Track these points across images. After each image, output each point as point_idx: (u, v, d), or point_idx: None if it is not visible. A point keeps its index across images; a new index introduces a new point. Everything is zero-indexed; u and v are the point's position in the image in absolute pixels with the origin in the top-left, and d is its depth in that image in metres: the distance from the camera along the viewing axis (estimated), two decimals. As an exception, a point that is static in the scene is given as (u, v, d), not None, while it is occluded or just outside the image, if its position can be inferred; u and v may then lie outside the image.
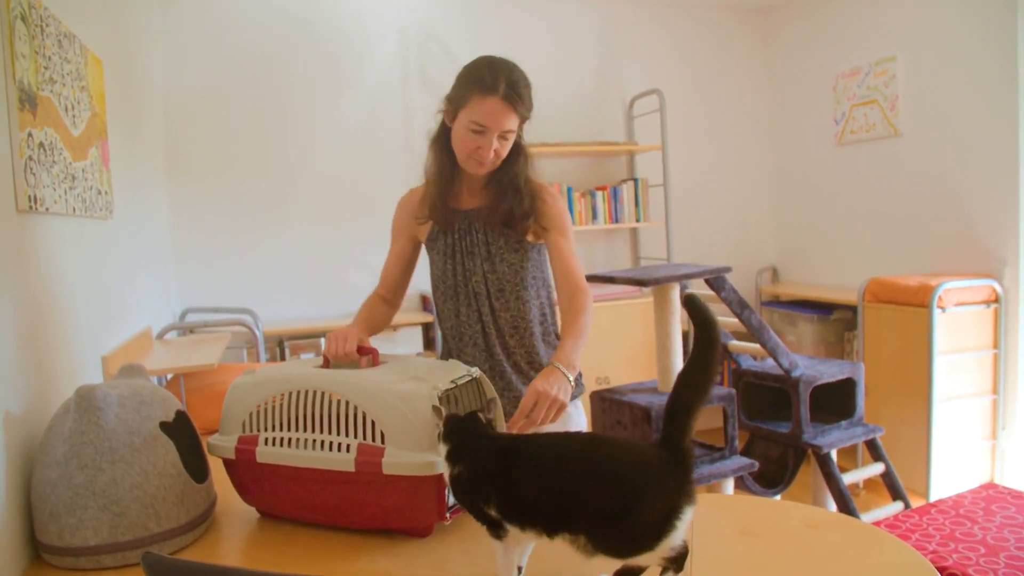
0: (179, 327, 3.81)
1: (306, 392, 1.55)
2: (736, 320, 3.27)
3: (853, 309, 4.49)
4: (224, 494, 1.74)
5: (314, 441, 1.53)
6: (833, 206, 5.13)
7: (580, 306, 1.92)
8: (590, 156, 5.16)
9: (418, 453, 1.46)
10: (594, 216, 4.90)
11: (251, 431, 1.60)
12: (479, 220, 2.04)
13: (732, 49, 5.53)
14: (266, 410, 1.59)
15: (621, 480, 1.18)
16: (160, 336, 3.34)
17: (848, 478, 3.49)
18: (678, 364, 3.05)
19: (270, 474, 1.58)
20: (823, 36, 5.09)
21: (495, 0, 4.89)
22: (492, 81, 1.89)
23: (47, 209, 1.84)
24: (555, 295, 2.09)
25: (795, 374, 3.31)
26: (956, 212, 4.24)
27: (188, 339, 3.45)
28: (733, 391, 3.07)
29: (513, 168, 2.00)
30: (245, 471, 1.62)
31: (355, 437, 1.50)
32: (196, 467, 1.61)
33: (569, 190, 4.84)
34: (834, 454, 3.41)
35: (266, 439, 1.57)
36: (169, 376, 2.93)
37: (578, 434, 1.33)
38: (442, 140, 2.03)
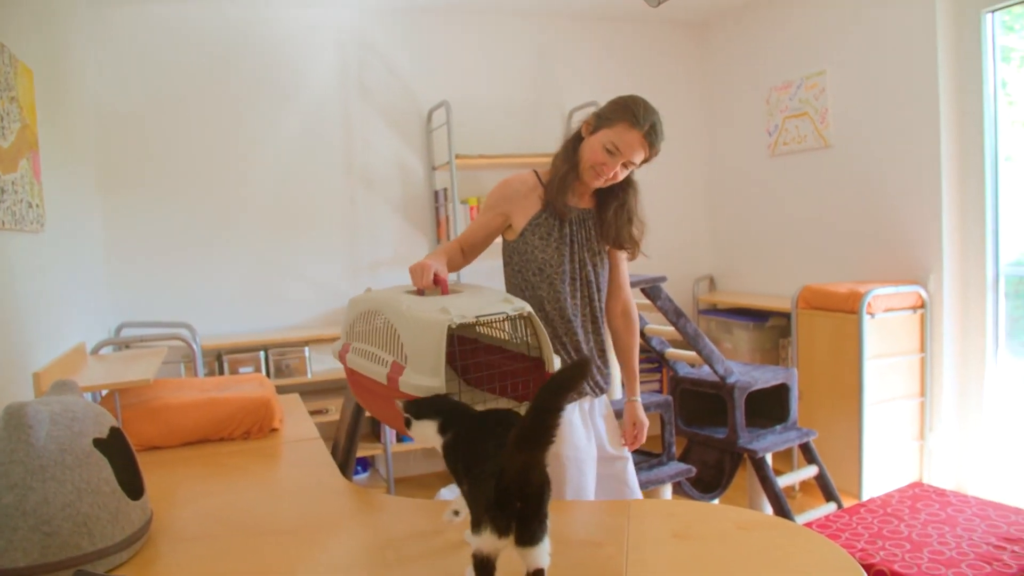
0: (114, 342, 3.74)
1: (373, 312, 1.83)
2: (673, 328, 3.33)
3: (787, 316, 4.60)
4: (161, 511, 1.73)
5: (372, 354, 1.78)
6: (767, 216, 5.25)
7: (635, 333, 2.50)
8: (529, 167, 5.17)
9: (426, 376, 1.60)
10: (534, 226, 4.94)
11: (348, 340, 1.92)
12: (591, 220, 2.34)
13: (668, 62, 5.63)
14: (359, 323, 1.89)
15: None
16: (95, 351, 3.28)
17: (783, 481, 3.57)
18: (615, 372, 3.09)
19: (356, 377, 1.86)
20: (757, 51, 5.22)
21: (434, 13, 4.92)
22: (642, 119, 2.21)
23: (-26, 224, 1.81)
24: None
25: (730, 381, 3.38)
26: (883, 221, 4.37)
27: (123, 354, 3.39)
28: (670, 398, 3.12)
29: (627, 196, 2.37)
30: (347, 372, 1.93)
31: (391, 355, 1.71)
32: (131, 484, 1.60)
33: (509, 201, 4.87)
34: (769, 458, 3.49)
35: (355, 348, 1.87)
36: (104, 392, 2.88)
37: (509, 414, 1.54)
38: (573, 144, 2.33)
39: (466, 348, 1.82)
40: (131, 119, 4.30)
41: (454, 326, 1.62)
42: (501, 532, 1.28)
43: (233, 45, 4.47)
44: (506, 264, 2.40)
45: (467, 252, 2.37)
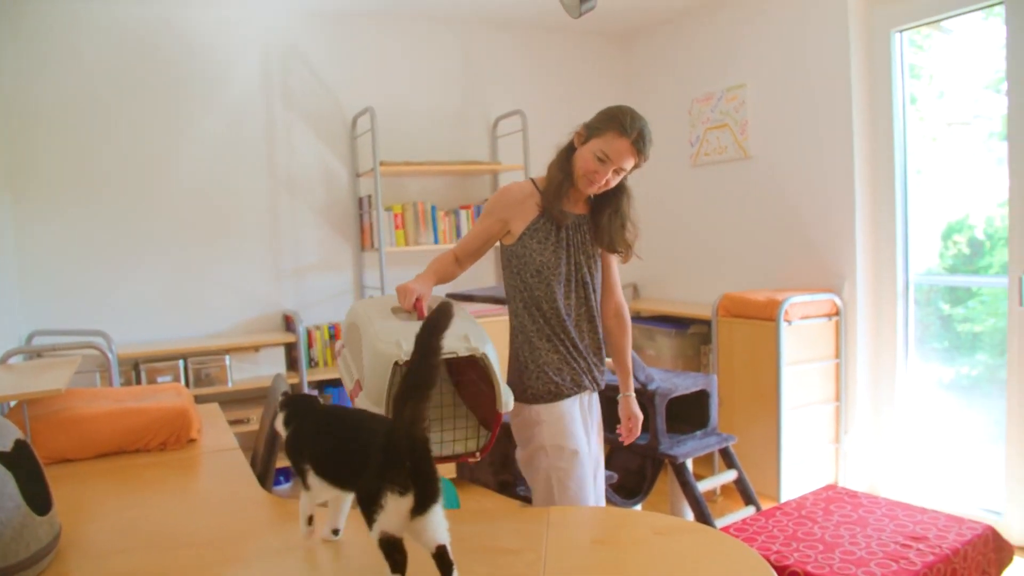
0: (25, 351, 3.62)
1: (355, 326, 1.98)
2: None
3: (708, 323, 4.69)
4: (71, 525, 1.68)
5: (348, 366, 1.94)
6: (689, 225, 5.35)
7: (628, 332, 2.63)
8: (454, 175, 5.21)
9: (371, 404, 1.73)
10: (458, 235, 4.94)
11: (344, 344, 2.08)
12: (586, 225, 2.46)
13: (593, 72, 5.70)
14: (350, 331, 2.04)
15: (364, 451, 1.43)
16: (3, 361, 3.17)
17: (704, 486, 3.64)
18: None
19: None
20: (679, 63, 5.32)
21: (360, 19, 4.89)
22: (629, 127, 2.35)
23: None
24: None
25: (651, 387, 3.44)
26: (800, 231, 4.50)
27: (34, 363, 3.29)
28: (593, 405, 3.15)
29: (620, 202, 2.48)
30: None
31: (358, 372, 1.84)
32: (38, 498, 1.55)
33: (433, 209, 4.86)
34: (690, 463, 3.55)
35: (342, 355, 2.06)
36: (12, 403, 2.79)
37: (362, 411, 1.67)
38: (567, 154, 2.47)
39: (463, 363, 1.96)
40: (44, 118, 4.17)
41: (401, 362, 1.73)
42: (403, 490, 1.33)
43: (153, 44, 4.37)
44: (504, 267, 2.50)
45: (463, 260, 2.49)
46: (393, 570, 1.36)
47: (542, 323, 2.41)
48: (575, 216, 2.45)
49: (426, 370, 1.36)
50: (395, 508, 1.33)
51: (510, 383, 2.40)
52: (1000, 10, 3.56)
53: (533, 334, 2.40)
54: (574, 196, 2.47)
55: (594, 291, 2.48)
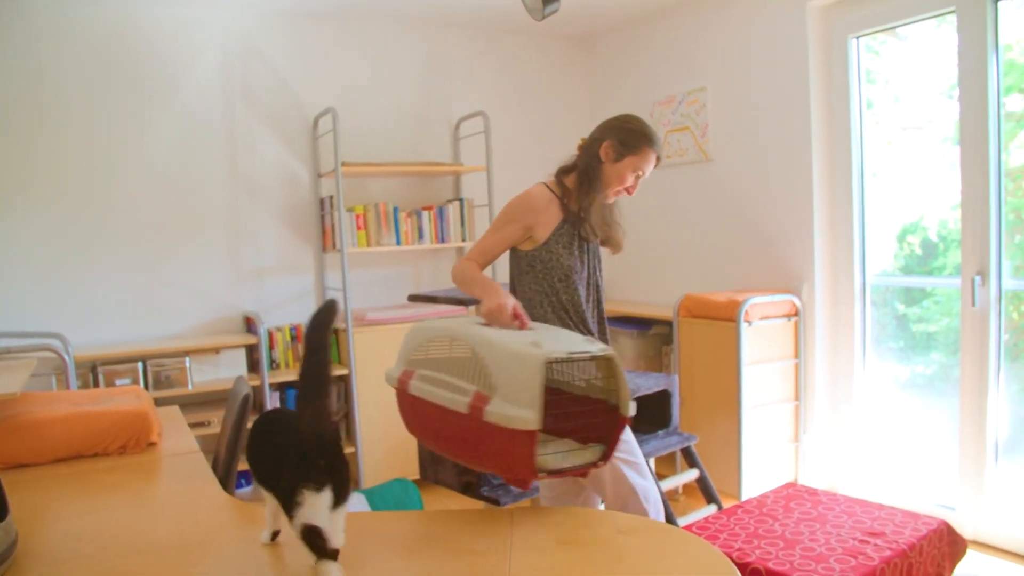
0: (-23, 354, 3.55)
1: (448, 341, 1.89)
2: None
3: (669, 324, 4.73)
4: (28, 532, 1.65)
5: (447, 382, 1.83)
6: (651, 227, 5.39)
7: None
8: (416, 176, 5.20)
9: (522, 409, 1.64)
10: (420, 236, 4.93)
11: (411, 367, 1.97)
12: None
13: (556, 74, 5.73)
14: (426, 351, 1.95)
15: (279, 452, 1.50)
16: (-45, 365, 3.10)
17: (666, 484, 3.67)
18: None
19: (419, 405, 1.90)
20: (641, 66, 5.36)
21: (321, 19, 4.86)
22: (657, 141, 2.54)
23: None
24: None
25: (615, 387, 3.45)
26: (760, 233, 4.55)
27: (-12, 367, 3.22)
28: (556, 406, 3.16)
29: (615, 207, 2.70)
30: (403, 399, 1.98)
31: (474, 385, 1.76)
32: (-6, 504, 1.52)
33: (395, 210, 4.85)
34: (652, 462, 3.58)
35: (420, 375, 1.92)
36: (-35, 408, 2.73)
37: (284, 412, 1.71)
38: (595, 168, 2.58)
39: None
40: (-2, 119, 4.09)
41: (553, 359, 1.76)
42: (319, 485, 1.39)
43: (110, 42, 4.30)
44: (525, 272, 2.57)
45: (483, 267, 2.55)
46: (319, 555, 1.42)
47: (572, 326, 2.51)
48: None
49: (318, 366, 1.45)
50: (313, 503, 1.40)
51: None
52: (952, 18, 3.64)
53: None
54: None
55: (602, 291, 2.67)
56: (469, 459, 1.90)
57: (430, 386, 1.87)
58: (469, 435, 1.77)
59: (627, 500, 2.42)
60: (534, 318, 2.48)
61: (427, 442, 2.02)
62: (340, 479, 1.43)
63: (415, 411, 1.96)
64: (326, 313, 1.48)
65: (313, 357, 1.44)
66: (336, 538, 1.43)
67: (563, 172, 2.67)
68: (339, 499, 1.43)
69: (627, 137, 2.53)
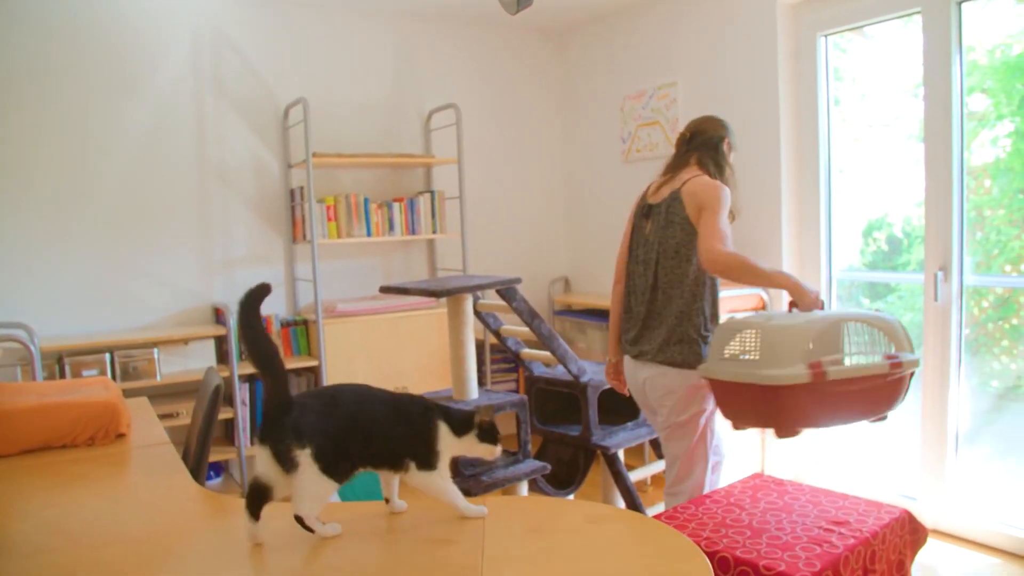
0: (-59, 345, 3.50)
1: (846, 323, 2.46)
2: (527, 329, 3.40)
3: (639, 317, 4.75)
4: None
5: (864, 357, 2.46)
6: (620, 220, 5.39)
7: None
8: (388, 168, 5.19)
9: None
10: (391, 227, 4.92)
11: (819, 357, 2.33)
12: None
13: (527, 67, 5.74)
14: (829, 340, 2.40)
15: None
16: (-82, 355, 3.06)
17: (635, 475, 3.71)
18: (472, 372, 3.14)
19: (833, 390, 2.34)
20: (612, 60, 5.38)
21: (293, 9, 4.83)
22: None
23: None
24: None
25: (583, 380, 3.49)
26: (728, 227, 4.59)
27: (-49, 358, 3.18)
28: (524, 398, 3.19)
29: None
30: (809, 392, 2.34)
31: (878, 353, 2.50)
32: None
33: (366, 201, 4.83)
34: (621, 454, 3.61)
35: (828, 362, 2.35)
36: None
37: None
38: (725, 158, 3.05)
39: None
40: (-39, 106, 4.02)
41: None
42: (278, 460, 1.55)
43: (77, 28, 4.24)
44: (689, 258, 2.87)
45: None
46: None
47: (715, 304, 2.92)
48: None
49: (257, 340, 1.61)
50: (264, 464, 1.56)
51: (679, 361, 2.83)
52: (918, 19, 3.70)
53: (709, 315, 2.89)
54: None
55: None
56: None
57: (856, 360, 2.48)
58: (881, 393, 2.53)
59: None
60: (688, 297, 2.87)
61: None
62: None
63: (825, 398, 2.38)
64: (259, 291, 1.65)
65: (248, 332, 1.61)
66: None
67: (700, 165, 2.98)
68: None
69: (729, 133, 3.04)
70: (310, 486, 1.55)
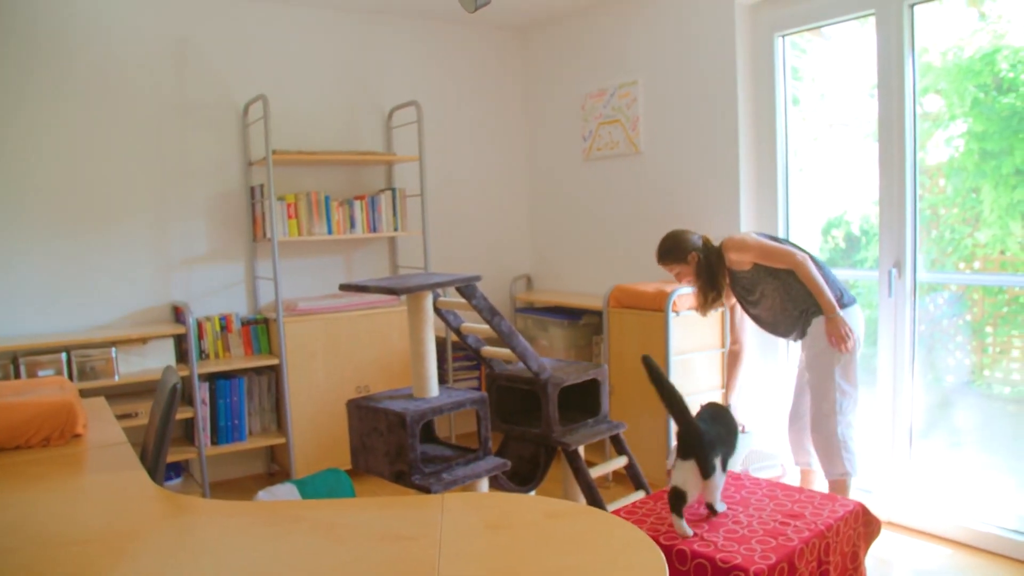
0: None
1: None
2: (488, 326, 3.40)
3: (599, 314, 4.79)
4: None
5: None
6: (581, 218, 5.46)
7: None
8: (348, 165, 5.17)
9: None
10: (352, 225, 4.90)
11: None
12: None
13: (489, 64, 5.74)
14: None
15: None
16: None
17: (596, 471, 3.72)
18: (433, 369, 3.14)
19: None
20: (574, 58, 5.41)
21: (252, 5, 4.79)
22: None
23: None
24: None
25: (543, 377, 3.50)
26: (688, 224, 4.61)
27: (-99, 358, 3.12)
28: (485, 395, 3.19)
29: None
30: None
31: None
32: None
33: (327, 199, 4.81)
34: (582, 450, 3.63)
35: None
36: None
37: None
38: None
39: None
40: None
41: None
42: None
43: (34, 22, 4.18)
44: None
45: None
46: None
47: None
48: None
49: (669, 394, 2.76)
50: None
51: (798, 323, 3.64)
52: (873, 20, 3.76)
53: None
54: None
55: None
56: None
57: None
58: None
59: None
60: (790, 285, 3.61)
61: None
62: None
63: None
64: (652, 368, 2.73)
65: (662, 387, 2.70)
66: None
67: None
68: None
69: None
70: (720, 483, 2.61)
